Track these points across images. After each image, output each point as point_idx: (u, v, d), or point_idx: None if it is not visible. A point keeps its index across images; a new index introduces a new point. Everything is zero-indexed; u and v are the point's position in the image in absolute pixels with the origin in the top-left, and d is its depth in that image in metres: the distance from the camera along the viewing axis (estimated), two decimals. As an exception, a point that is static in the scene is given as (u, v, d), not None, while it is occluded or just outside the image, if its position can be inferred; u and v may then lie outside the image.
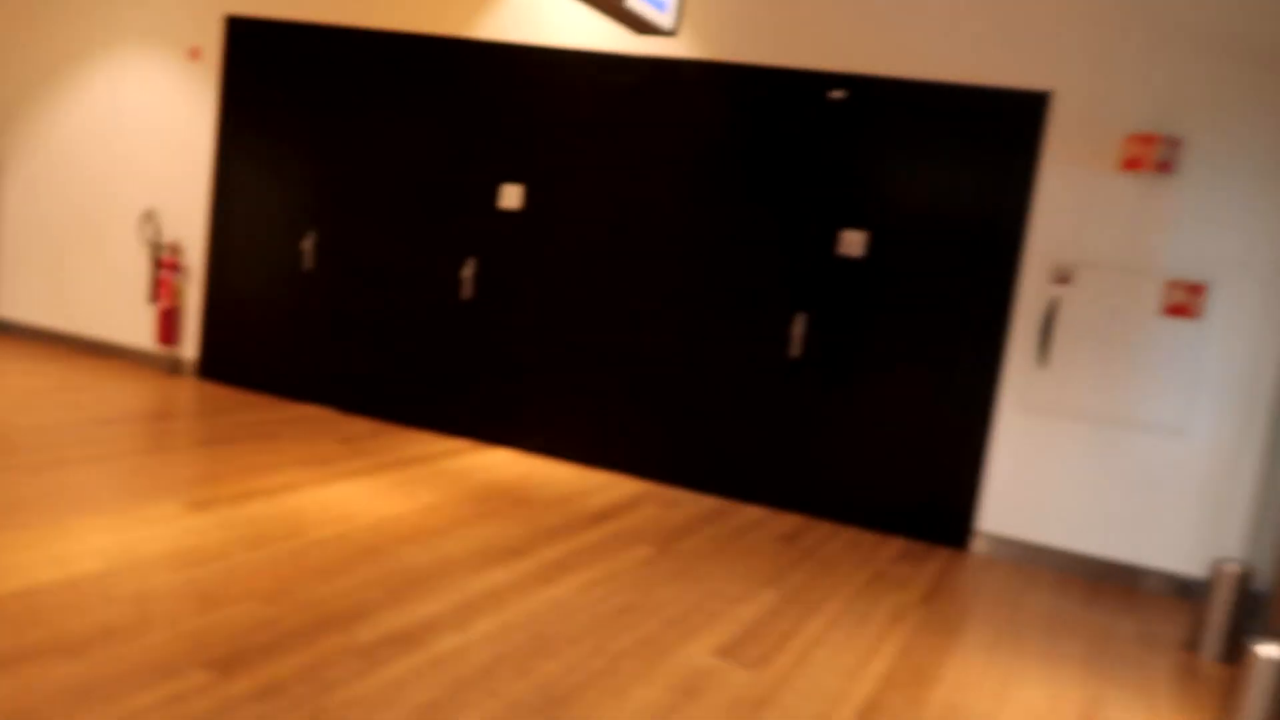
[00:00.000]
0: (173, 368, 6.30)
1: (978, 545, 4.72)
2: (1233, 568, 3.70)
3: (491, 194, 5.49)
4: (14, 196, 6.70)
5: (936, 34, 4.63)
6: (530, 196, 5.42)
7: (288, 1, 5.85)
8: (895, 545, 4.68)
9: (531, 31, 5.34)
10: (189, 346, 6.27)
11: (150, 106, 6.27)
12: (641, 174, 5.20)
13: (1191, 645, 3.78)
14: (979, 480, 4.71)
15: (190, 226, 6.21)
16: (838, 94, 4.50)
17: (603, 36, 5.21)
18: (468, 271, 5.55)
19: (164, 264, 6.18)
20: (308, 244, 5.91)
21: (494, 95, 5.46)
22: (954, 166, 4.66)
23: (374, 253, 5.76)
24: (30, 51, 6.58)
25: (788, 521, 4.83)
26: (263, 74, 5.97)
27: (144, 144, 6.30)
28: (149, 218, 6.30)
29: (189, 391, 5.86)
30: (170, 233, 6.26)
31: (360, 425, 5.59)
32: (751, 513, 4.90)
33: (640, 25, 3.52)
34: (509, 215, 5.46)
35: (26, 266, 6.71)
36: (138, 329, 6.39)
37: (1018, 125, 4.56)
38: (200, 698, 2.39)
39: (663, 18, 3.51)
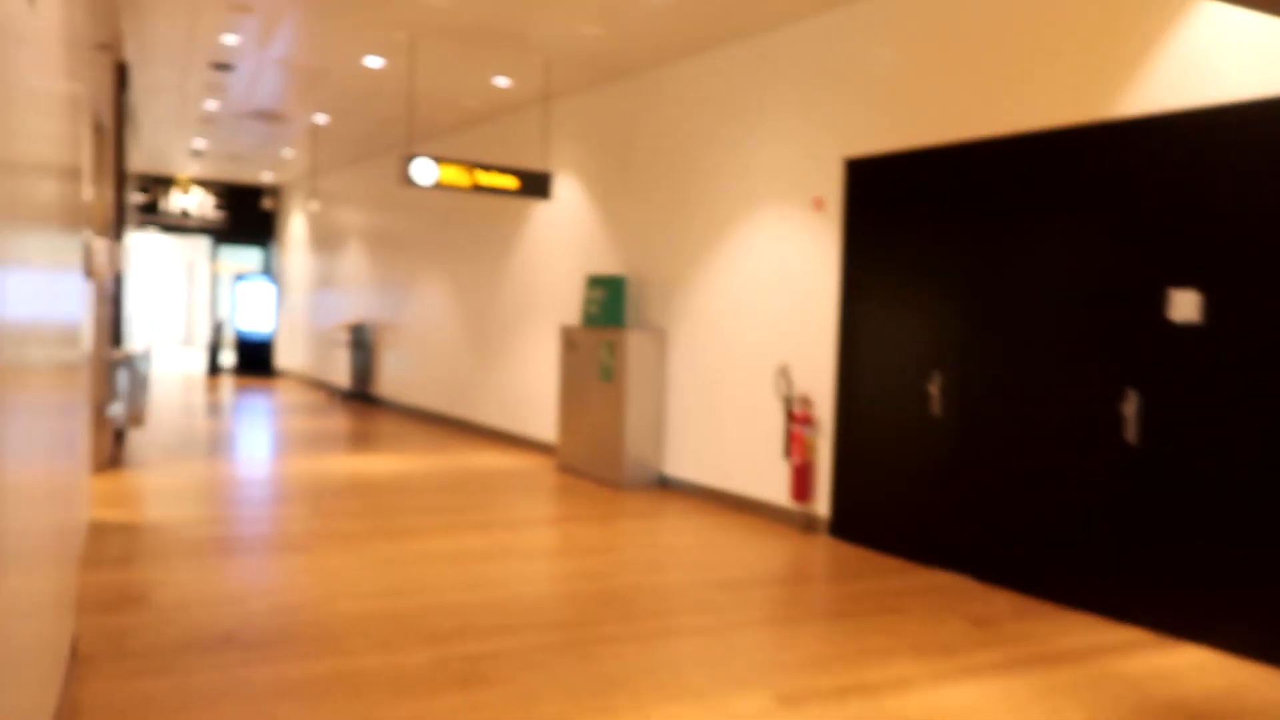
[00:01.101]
0: (806, 525, 6.08)
1: None
2: None
3: (1155, 306, 4.27)
4: (675, 361, 7.33)
5: None
6: (1210, 304, 4.07)
7: (899, 131, 5.49)
8: None
9: (1198, 90, 4.12)
10: (821, 503, 6.00)
11: (780, 262, 6.36)
12: (1393, 251, 3.53)
13: None
14: None
15: (819, 378, 6.05)
16: None
17: (1306, 74, 3.77)
18: (1129, 407, 4.34)
19: (795, 418, 6.07)
20: (934, 387, 5.27)
21: (1148, 181, 4.31)
22: None
23: (1009, 391, 4.88)
24: (685, 229, 7.25)
25: None
26: (880, 212, 5.64)
27: (776, 299, 6.39)
28: (783, 372, 6.30)
29: (817, 553, 5.53)
30: (801, 385, 6.17)
31: (998, 600, 4.63)
32: None
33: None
34: (1182, 331, 4.17)
35: (685, 426, 7.22)
36: (775, 485, 6.35)
37: None
38: None
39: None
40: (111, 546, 4.99)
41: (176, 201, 17.41)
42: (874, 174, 5.68)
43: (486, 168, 7.54)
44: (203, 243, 19.20)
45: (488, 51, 7.64)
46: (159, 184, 17.28)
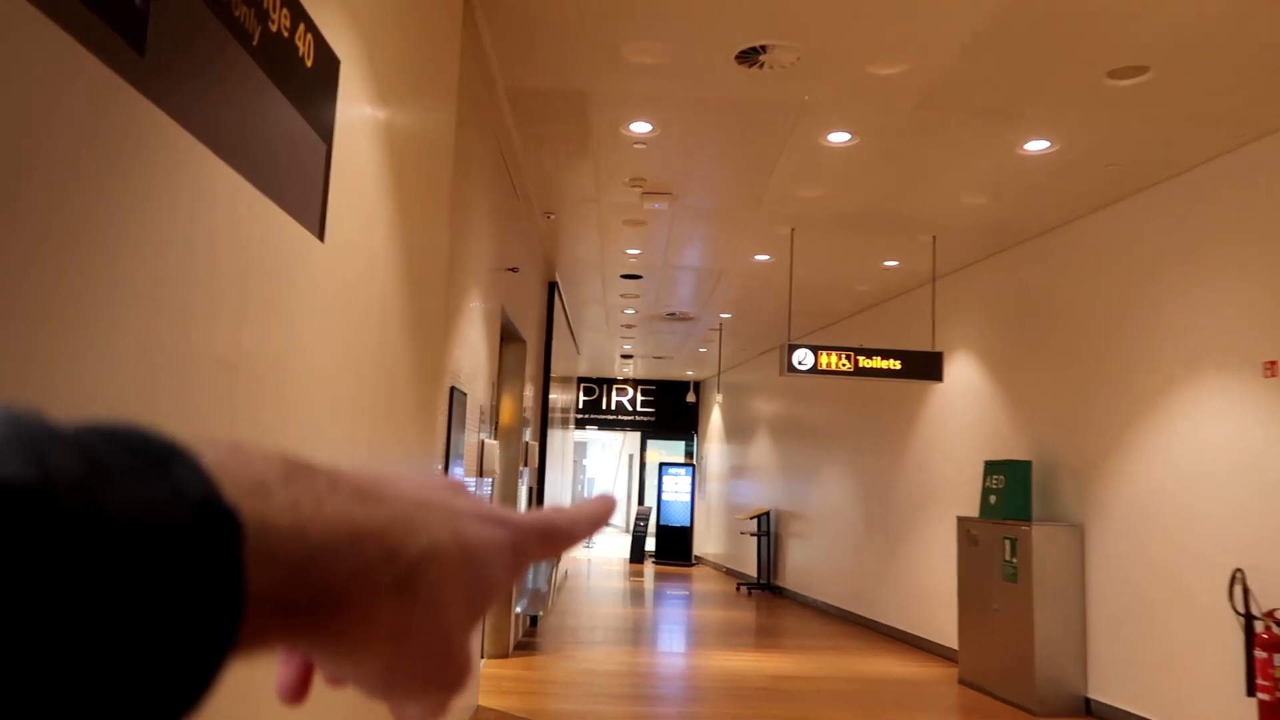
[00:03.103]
0: (1291, 789, 4.57)
1: None
2: None
3: None
4: (1097, 562, 6.18)
5: None
6: None
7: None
8: None
9: None
10: (1310, 760, 4.51)
11: (1228, 441, 5.18)
12: None
13: None
14: None
15: (1290, 589, 4.69)
16: None
17: None
18: None
19: (1261, 641, 4.72)
20: None
21: None
22: None
23: None
24: (1102, 405, 6.26)
25: None
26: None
27: (1225, 487, 5.18)
28: (1238, 580, 5.00)
29: (1307, 832, 4.09)
30: (1267, 598, 4.83)
31: None
32: None
33: None
34: None
35: (1113, 641, 5.96)
36: (1239, 728, 4.93)
37: None
38: None
39: None
40: (489, 736, 5.13)
41: (616, 399, 19.29)
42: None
43: (868, 353, 7.24)
44: (636, 436, 20.86)
45: (868, 234, 7.50)
46: (601, 385, 19.28)
